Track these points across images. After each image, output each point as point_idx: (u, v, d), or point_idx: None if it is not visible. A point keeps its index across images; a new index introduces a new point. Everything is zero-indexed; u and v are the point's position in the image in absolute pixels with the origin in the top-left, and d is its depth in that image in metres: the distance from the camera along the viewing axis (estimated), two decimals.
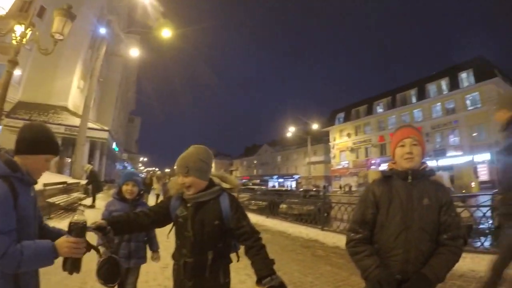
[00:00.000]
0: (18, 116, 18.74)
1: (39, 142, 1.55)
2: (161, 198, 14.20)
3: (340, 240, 7.74)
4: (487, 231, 6.78)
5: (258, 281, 1.70)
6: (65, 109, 21.76)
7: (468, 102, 33.73)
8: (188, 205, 1.90)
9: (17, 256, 1.31)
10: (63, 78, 22.11)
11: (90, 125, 19.77)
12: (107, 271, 2.62)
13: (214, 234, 1.86)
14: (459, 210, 6.29)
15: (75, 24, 7.75)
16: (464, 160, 32.37)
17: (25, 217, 1.44)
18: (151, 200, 14.47)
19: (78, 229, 1.49)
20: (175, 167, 1.95)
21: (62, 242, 1.44)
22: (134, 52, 21.40)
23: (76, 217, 1.51)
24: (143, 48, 24.38)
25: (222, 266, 1.92)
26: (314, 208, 10.57)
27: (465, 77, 34.19)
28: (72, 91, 22.97)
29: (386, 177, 1.84)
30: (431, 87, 38.06)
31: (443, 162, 34.10)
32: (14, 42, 6.78)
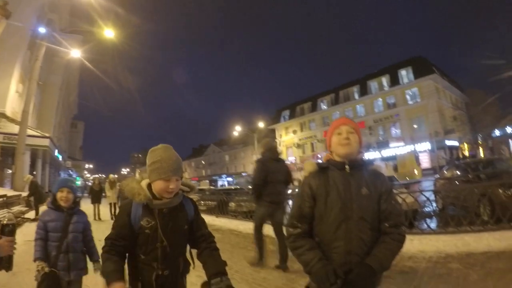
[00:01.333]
0: None
1: None
2: (117, 206, 13.08)
3: None
4: (431, 213, 7.28)
5: (207, 282, 1.66)
6: (3, 115, 19.82)
7: (408, 97, 36.37)
8: (155, 213, 1.72)
9: None
10: None
11: (30, 132, 18.45)
12: (47, 287, 2.59)
13: (184, 240, 1.80)
14: (403, 196, 6.68)
15: (12, 23, 7.20)
16: (406, 150, 34.88)
17: None
18: (104, 211, 13.18)
19: (10, 229, 1.73)
20: (167, 171, 1.70)
21: (2, 242, 1.61)
22: (76, 53, 20.32)
23: (7, 219, 1.75)
24: (86, 49, 23.15)
25: (186, 271, 1.89)
26: None
27: (405, 74, 36.80)
28: (9, 96, 20.87)
29: (323, 168, 1.79)
30: (373, 84, 40.44)
31: (386, 152, 36.78)
32: None
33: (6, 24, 6.68)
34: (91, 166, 79.92)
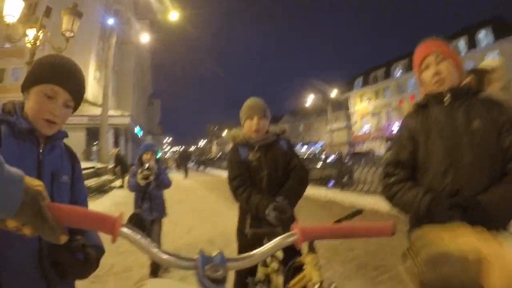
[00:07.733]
0: None
1: None
2: None
3: (357, 199, 8.12)
4: None
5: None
6: (85, 100, 22.15)
7: None
8: (255, 149, 2.06)
9: None
10: None
11: (111, 113, 20.50)
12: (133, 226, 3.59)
13: (283, 171, 2.07)
14: None
15: (83, 17, 8.12)
16: None
17: None
18: None
19: None
20: (248, 111, 2.11)
21: None
22: (145, 37, 21.84)
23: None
24: (154, 32, 24.75)
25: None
26: (334, 171, 10.81)
27: (484, 36, 32.51)
28: (89, 83, 23.58)
29: (421, 106, 1.45)
30: None
31: None
32: (28, 45, 7.44)
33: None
34: (170, 139, 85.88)
